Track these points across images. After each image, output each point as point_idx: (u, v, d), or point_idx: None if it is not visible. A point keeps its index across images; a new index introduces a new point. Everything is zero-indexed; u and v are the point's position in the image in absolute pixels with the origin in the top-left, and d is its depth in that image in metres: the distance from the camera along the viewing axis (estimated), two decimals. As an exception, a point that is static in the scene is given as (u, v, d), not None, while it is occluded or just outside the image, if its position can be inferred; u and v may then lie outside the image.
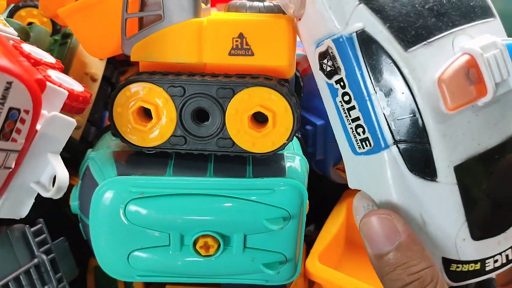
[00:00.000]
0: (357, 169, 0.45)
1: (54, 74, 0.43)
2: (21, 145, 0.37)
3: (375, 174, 0.43)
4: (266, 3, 0.47)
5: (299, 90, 0.54)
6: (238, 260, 0.47)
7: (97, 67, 0.60)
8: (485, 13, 0.43)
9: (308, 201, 0.48)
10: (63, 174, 0.39)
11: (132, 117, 0.46)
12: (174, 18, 0.45)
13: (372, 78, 0.41)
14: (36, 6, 0.71)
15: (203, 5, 0.47)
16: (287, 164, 0.48)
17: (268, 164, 0.47)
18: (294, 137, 0.51)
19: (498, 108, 0.42)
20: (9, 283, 0.46)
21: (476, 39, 0.41)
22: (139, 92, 0.45)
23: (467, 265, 0.43)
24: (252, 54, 0.45)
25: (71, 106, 0.43)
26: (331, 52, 0.43)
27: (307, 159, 0.51)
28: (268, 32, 0.44)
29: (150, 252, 0.47)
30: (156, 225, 0.45)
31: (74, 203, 0.51)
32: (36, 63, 0.44)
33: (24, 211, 0.41)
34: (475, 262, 0.43)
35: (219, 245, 0.46)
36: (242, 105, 0.44)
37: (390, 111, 0.41)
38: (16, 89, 0.35)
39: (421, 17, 0.41)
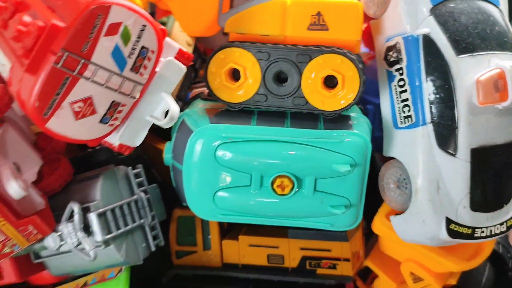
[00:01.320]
0: (395, 140, 0.58)
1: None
2: (145, 79, 0.47)
3: (409, 144, 0.56)
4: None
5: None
6: (309, 201, 0.54)
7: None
8: None
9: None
10: (175, 108, 0.48)
11: (224, 76, 0.55)
12: (263, -3, 0.55)
13: (426, 70, 0.55)
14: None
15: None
16: (354, 122, 0.55)
17: (337, 120, 0.55)
18: (359, 109, 0.60)
19: (510, 117, 0.54)
20: (115, 209, 0.55)
21: (506, 61, 0.53)
22: (231, 56, 0.55)
23: (462, 227, 0.55)
24: (327, 29, 0.54)
25: (178, 60, 0.52)
26: (398, 47, 0.56)
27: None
28: (342, 11, 0.53)
29: (233, 192, 0.54)
30: (240, 166, 0.53)
31: (167, 155, 0.59)
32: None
33: (138, 140, 0.50)
34: (468, 227, 0.55)
35: (293, 186, 0.53)
36: (317, 68, 0.53)
37: (434, 98, 0.54)
38: (147, 32, 0.45)
39: (471, 36, 0.54)
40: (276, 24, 0.55)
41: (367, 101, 0.68)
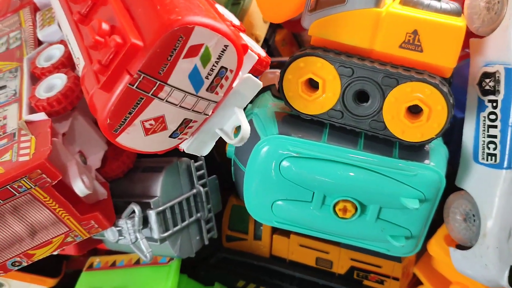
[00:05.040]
0: (471, 174, 0.54)
1: (244, 38, 0.50)
2: (220, 98, 0.45)
3: (487, 184, 0.52)
4: (444, 4, 0.50)
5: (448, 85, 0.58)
6: (370, 227, 0.52)
7: (262, 30, 0.67)
8: None
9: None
10: (247, 127, 0.45)
11: (300, 86, 0.52)
12: (356, 4, 0.49)
13: None
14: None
15: (383, -6, 0.51)
16: (431, 152, 0.52)
17: (414, 149, 0.51)
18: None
19: None
20: (174, 206, 0.55)
21: None
22: (311, 65, 0.51)
23: None
24: (421, 51, 0.49)
25: (255, 68, 0.49)
26: (498, 77, 0.50)
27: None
28: (442, 34, 0.48)
29: (292, 204, 0.53)
30: (304, 182, 0.51)
31: (231, 148, 0.58)
32: (231, 26, 0.50)
33: (205, 151, 0.49)
34: None
35: (355, 211, 0.52)
36: (402, 95, 0.49)
37: None
38: (229, 52, 0.42)
39: None
40: (365, 35, 0.50)
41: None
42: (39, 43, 0.57)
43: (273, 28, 0.71)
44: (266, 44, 0.69)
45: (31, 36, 0.58)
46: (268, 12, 0.58)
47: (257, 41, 0.66)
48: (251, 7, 0.65)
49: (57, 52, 0.53)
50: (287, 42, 0.79)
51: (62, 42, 0.54)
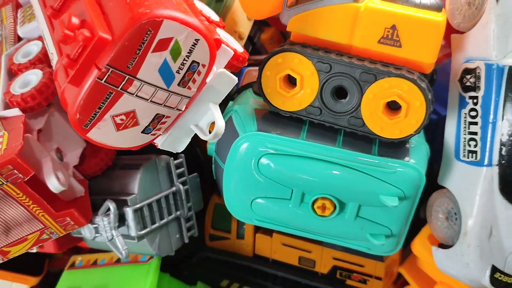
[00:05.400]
0: (452, 171, 0.54)
1: (221, 33, 0.49)
2: (193, 92, 0.44)
3: (468, 182, 0.51)
4: (423, -1, 0.49)
5: (432, 83, 0.57)
6: (349, 226, 0.52)
7: (245, 27, 0.66)
8: None
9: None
10: (221, 123, 0.45)
11: (278, 82, 0.51)
12: (335, -1, 0.49)
13: (504, 107, 0.49)
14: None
15: (362, -10, 0.50)
16: (411, 149, 0.51)
17: (393, 146, 0.51)
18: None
19: None
20: (152, 203, 0.54)
21: None
22: (289, 61, 0.50)
23: (508, 277, 0.52)
24: (400, 46, 0.48)
25: (231, 64, 0.49)
26: (478, 73, 0.50)
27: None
28: (421, 29, 0.47)
29: (272, 202, 0.53)
30: (283, 179, 0.51)
31: (211, 146, 0.58)
32: (208, 21, 0.50)
33: (181, 147, 0.48)
34: None
35: (334, 209, 0.51)
36: (380, 91, 0.48)
37: (508, 139, 0.49)
38: (200, 46, 0.41)
39: None
40: (344, 31, 0.50)
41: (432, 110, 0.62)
42: (19, 39, 0.57)
43: (258, 25, 0.70)
44: (251, 42, 0.69)
45: (12, 33, 0.57)
46: (249, 9, 0.57)
47: (240, 38, 0.65)
48: (234, 4, 0.65)
49: (34, 48, 0.52)
50: (275, 40, 0.79)
51: (41, 38, 0.54)
